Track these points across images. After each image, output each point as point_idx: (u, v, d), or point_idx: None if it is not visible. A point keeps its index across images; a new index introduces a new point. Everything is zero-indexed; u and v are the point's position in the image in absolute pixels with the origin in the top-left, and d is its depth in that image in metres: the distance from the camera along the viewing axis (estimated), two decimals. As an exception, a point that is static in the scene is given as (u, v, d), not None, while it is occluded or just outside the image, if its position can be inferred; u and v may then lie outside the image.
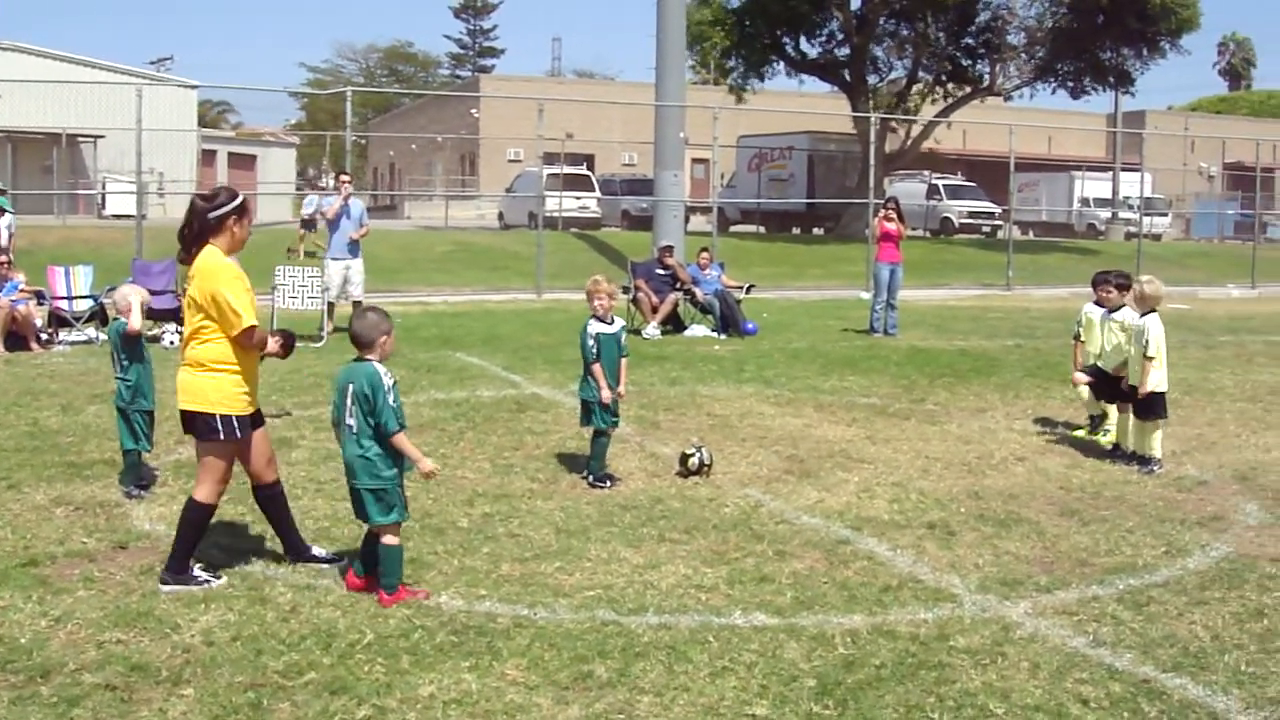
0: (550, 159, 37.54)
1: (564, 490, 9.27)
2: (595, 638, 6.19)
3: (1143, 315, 10.66)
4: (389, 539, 6.71)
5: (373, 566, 6.78)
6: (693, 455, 9.80)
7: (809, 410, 12.77)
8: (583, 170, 49.19)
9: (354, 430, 6.69)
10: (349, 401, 6.70)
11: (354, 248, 18.76)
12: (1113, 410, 11.44)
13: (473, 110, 65.95)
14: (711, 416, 12.32)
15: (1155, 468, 10.38)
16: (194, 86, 53.58)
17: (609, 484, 9.43)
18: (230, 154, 62.20)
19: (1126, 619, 6.70)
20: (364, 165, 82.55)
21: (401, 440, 6.72)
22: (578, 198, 44.68)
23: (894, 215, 20.66)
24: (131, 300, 9.31)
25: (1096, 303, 11.79)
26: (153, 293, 15.77)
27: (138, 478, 8.94)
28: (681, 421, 12.01)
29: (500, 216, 47.72)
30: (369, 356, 6.79)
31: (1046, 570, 7.58)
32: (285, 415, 11.63)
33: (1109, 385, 11.23)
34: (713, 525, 8.35)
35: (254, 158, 64.45)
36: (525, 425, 11.60)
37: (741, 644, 6.15)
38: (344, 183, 19.44)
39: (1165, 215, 58.48)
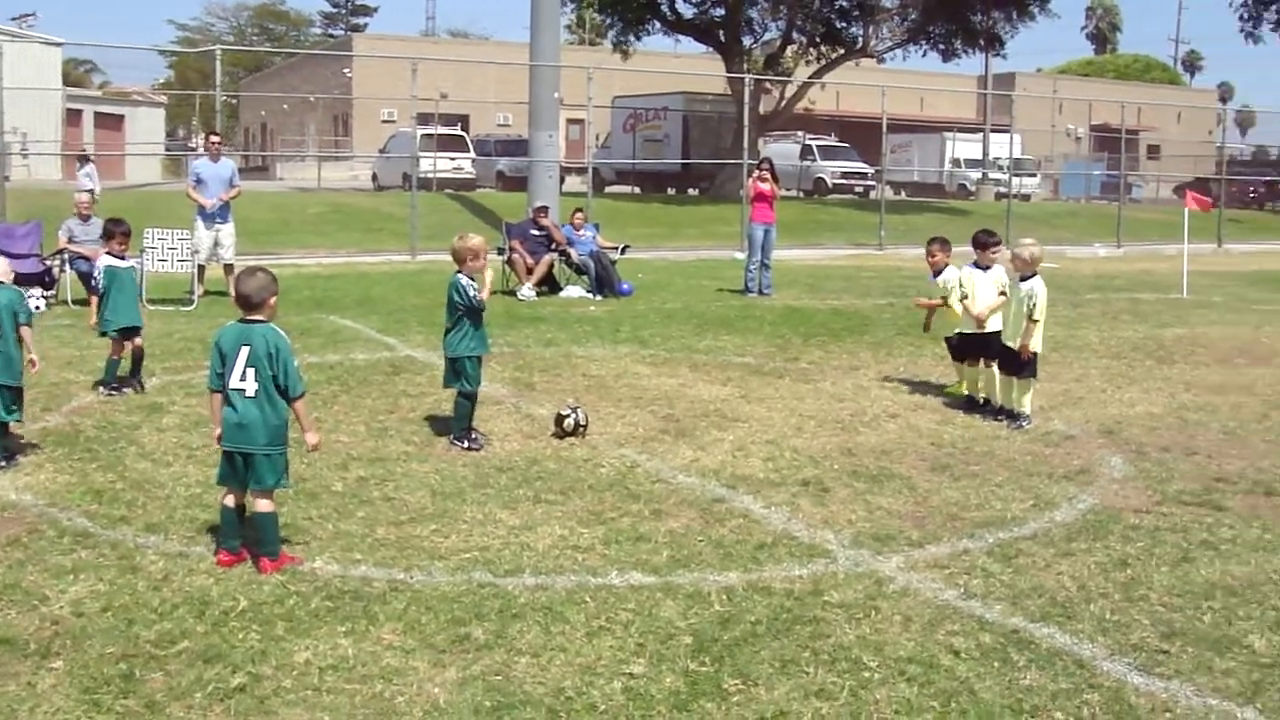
0: (424, 119, 37.14)
1: (439, 453, 9.23)
2: (472, 600, 6.19)
3: (1025, 279, 10.76)
4: (268, 505, 6.66)
5: (240, 536, 6.73)
6: (568, 416, 9.81)
7: (684, 370, 12.84)
8: (457, 131, 48.77)
9: (251, 394, 6.58)
10: (242, 363, 6.58)
11: (224, 210, 18.48)
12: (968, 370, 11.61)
13: (345, 70, 65.09)
14: (587, 377, 12.34)
15: (1024, 424, 10.59)
16: (58, 44, 52.27)
17: (476, 445, 9.40)
18: (97, 114, 60.88)
19: (996, 571, 6.84)
20: (235, 126, 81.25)
21: (302, 405, 6.73)
22: (452, 158, 44.38)
23: (768, 176, 20.80)
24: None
25: (976, 264, 11.55)
26: (16, 256, 15.48)
27: (4, 449, 8.72)
28: (557, 383, 12.01)
29: (374, 178, 47.19)
30: (258, 317, 6.70)
31: (918, 525, 7.71)
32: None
33: (974, 346, 11.37)
34: (589, 486, 8.38)
35: (121, 118, 63.13)
36: (400, 388, 11.54)
37: (618, 603, 6.19)
38: (214, 144, 19.12)
39: (1034, 176, 59.40)
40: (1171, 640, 5.90)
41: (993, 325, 11.17)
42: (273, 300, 6.78)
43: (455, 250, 9.61)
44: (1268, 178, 57.96)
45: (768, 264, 20.45)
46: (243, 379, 6.58)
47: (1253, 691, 5.37)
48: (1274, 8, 55.02)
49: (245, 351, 6.58)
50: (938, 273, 11.87)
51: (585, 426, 9.81)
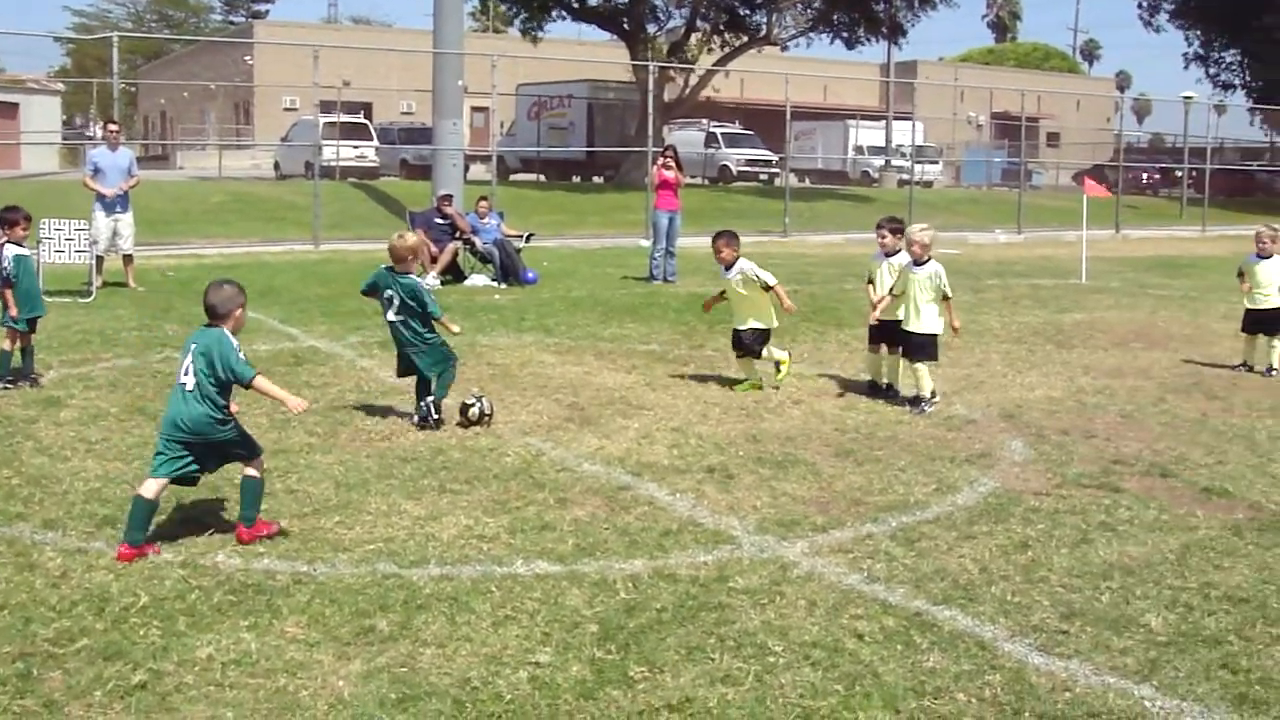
0: (327, 107, 36.82)
1: (343, 444, 9.16)
2: (376, 591, 6.15)
3: (921, 264, 10.90)
4: (254, 471, 6.97)
5: (147, 530, 6.67)
6: (473, 405, 9.77)
7: (589, 358, 12.84)
8: (360, 119, 48.42)
9: (190, 388, 6.73)
10: (189, 360, 6.78)
11: (123, 200, 18.21)
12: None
13: (246, 57, 64.38)
14: (492, 366, 12.30)
15: (927, 407, 10.69)
16: (-52, 31, 51.14)
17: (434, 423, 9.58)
18: (-11, 102, 59.69)
19: (899, 555, 6.90)
20: (134, 114, 80.00)
21: (262, 383, 6.93)
22: (355, 146, 44.05)
23: (672, 164, 20.84)
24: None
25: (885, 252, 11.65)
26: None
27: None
28: (462, 372, 11.89)
29: (276, 166, 46.72)
30: (222, 326, 6.92)
31: (822, 510, 7.76)
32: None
33: (889, 332, 11.44)
34: (494, 475, 8.35)
35: (16, 106, 61.83)
36: (303, 379, 11.43)
37: (524, 592, 6.18)
38: (112, 132, 18.83)
39: (936, 163, 60.00)
40: (1071, 620, 5.99)
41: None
42: (239, 312, 6.98)
43: (395, 249, 9.79)
44: (1164, 165, 58.95)
45: (672, 251, 20.51)
46: (187, 374, 6.76)
47: (1149, 669, 5.47)
48: (1170, 2, 56.00)
49: (194, 349, 6.80)
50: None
51: (490, 415, 9.78)
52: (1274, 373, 12.81)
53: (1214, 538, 7.36)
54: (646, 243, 20.86)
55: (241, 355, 6.81)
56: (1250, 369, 13.02)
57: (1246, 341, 13.31)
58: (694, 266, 21.34)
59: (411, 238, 10.05)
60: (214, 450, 6.92)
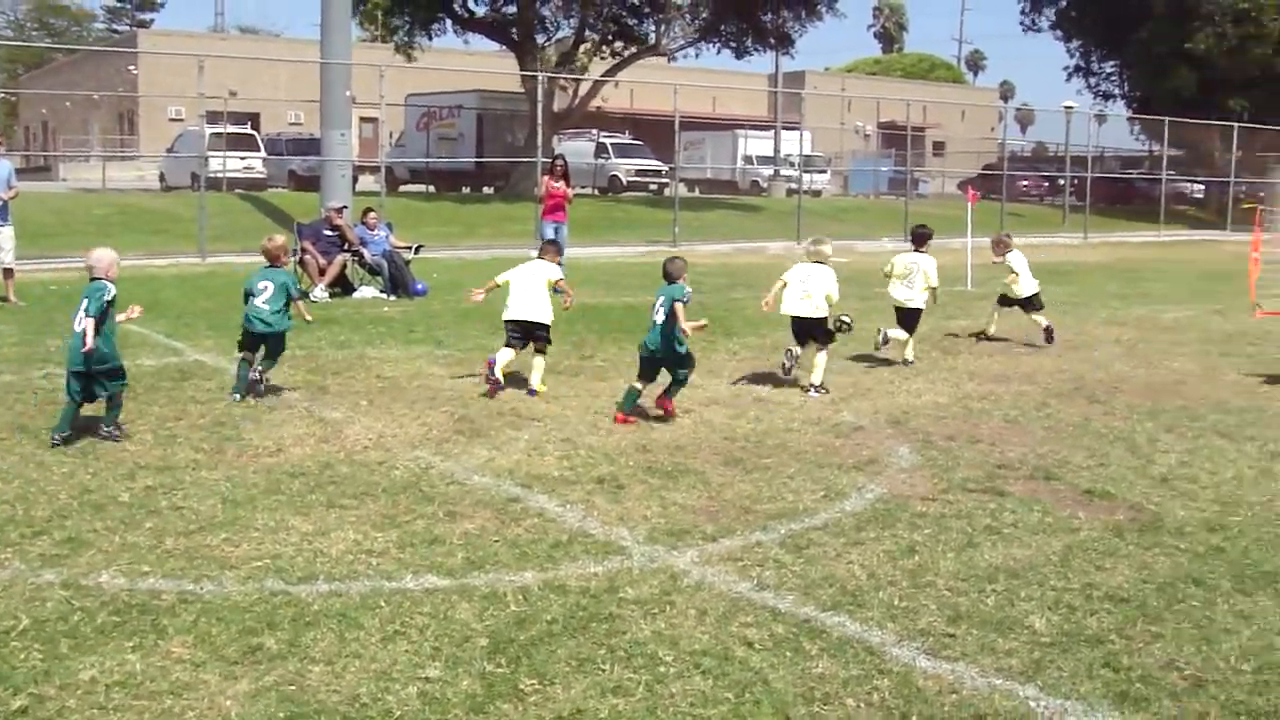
0: (213, 118, 36.42)
1: (230, 459, 9.05)
2: (264, 609, 6.08)
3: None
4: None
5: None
6: None
7: (479, 370, 12.76)
8: (247, 129, 47.87)
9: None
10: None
11: (2, 211, 17.85)
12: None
13: (131, 67, 63.41)
14: (381, 379, 12.21)
15: (819, 393, 11.65)
16: None
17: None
18: None
19: (788, 562, 6.95)
20: (14, 124, 78.56)
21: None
22: (242, 158, 43.55)
23: (560, 174, 20.86)
24: None
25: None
26: None
27: None
28: (350, 385, 11.87)
29: (161, 178, 46.05)
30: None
31: (712, 519, 7.80)
32: None
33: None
34: (383, 489, 8.30)
35: (-110, 116, 60.60)
36: (189, 394, 11.27)
37: (413, 607, 6.14)
38: (-9, 143, 18.47)
39: (824, 172, 60.52)
40: (957, 624, 6.07)
41: (805, 310, 12.32)
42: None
43: (268, 250, 11.44)
44: (1046, 174, 59.94)
45: (560, 263, 20.46)
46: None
47: (1034, 670, 5.56)
48: (1052, 9, 56.96)
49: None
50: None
51: None
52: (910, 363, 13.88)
53: (1096, 539, 7.50)
54: (535, 254, 20.81)
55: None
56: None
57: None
58: (585, 277, 21.34)
59: (279, 238, 11.69)
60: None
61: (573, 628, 5.92)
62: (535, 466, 8.99)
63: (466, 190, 47.98)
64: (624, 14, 46.39)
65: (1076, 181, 47.89)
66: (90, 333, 9.22)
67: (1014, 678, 5.48)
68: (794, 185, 44.75)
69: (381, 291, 19.36)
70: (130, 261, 23.89)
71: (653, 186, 51.20)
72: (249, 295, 11.22)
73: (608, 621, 6.01)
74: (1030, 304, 15.89)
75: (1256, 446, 10.12)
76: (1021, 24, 59.78)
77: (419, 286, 19.60)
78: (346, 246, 19.80)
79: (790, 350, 12.50)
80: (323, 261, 19.21)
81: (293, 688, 5.24)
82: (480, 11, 45.61)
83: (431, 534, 7.34)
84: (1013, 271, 15.93)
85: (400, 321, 16.25)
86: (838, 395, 11.83)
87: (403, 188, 46.26)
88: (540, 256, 12.92)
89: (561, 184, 20.76)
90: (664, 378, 10.90)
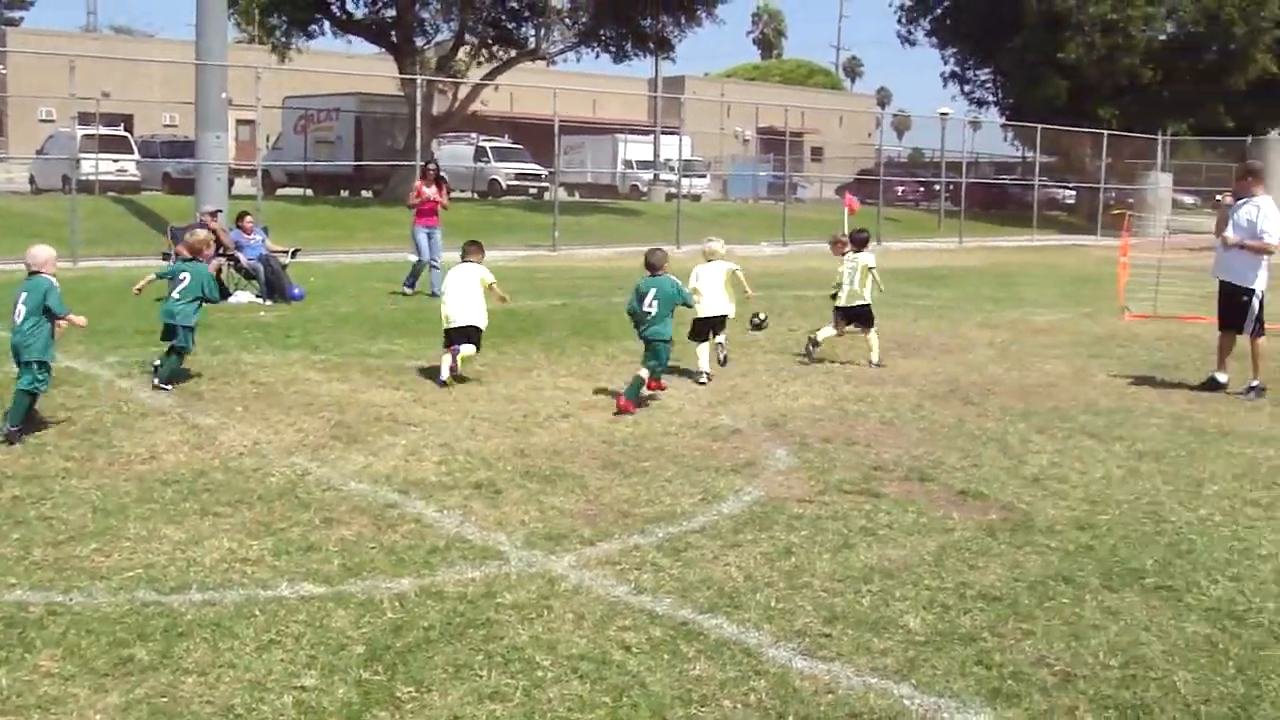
0: (85, 119, 35.73)
1: (101, 468, 8.88)
2: (135, 620, 5.98)
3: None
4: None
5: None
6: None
7: (356, 374, 12.69)
8: (120, 131, 47.00)
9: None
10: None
11: None
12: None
13: (-2, 66, 62.03)
14: (256, 385, 12.05)
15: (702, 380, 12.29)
16: None
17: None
18: None
19: (666, 565, 6.98)
20: (-126, 126, 76.37)
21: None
22: (115, 160, 42.73)
23: (432, 179, 20.78)
24: None
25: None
26: None
27: None
28: (225, 391, 11.71)
29: (31, 180, 45.04)
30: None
31: (590, 523, 7.80)
32: None
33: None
34: (258, 496, 8.20)
35: None
36: (59, 401, 11.02)
37: (289, 615, 6.08)
38: None
39: (704, 177, 60.86)
40: (833, 624, 6.14)
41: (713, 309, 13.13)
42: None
43: (191, 245, 12.70)
44: (922, 179, 60.74)
45: (436, 265, 20.40)
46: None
47: (908, 668, 5.64)
48: (928, 16, 57.72)
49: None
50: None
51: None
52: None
53: (969, 539, 7.62)
54: (415, 258, 20.68)
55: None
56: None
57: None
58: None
59: (202, 233, 12.97)
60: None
61: (450, 634, 5.89)
62: (413, 472, 8.93)
63: (345, 194, 47.51)
64: (503, 18, 46.26)
65: (952, 187, 48.60)
66: (76, 319, 10.08)
67: (889, 676, 5.55)
68: (673, 190, 44.86)
69: (257, 296, 19.10)
70: (-2, 266, 23.43)
71: (532, 190, 51.12)
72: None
73: (485, 627, 5.99)
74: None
75: (1125, 446, 10.34)
76: (898, 34, 60.57)
77: (295, 291, 19.38)
78: (222, 251, 19.51)
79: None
80: (197, 266, 18.91)
81: (165, 699, 5.16)
82: (359, 13, 45.27)
83: (307, 541, 7.27)
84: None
85: (276, 326, 16.06)
86: (715, 399, 11.90)
87: (280, 191, 45.70)
88: (466, 258, 13.11)
89: (434, 189, 20.67)
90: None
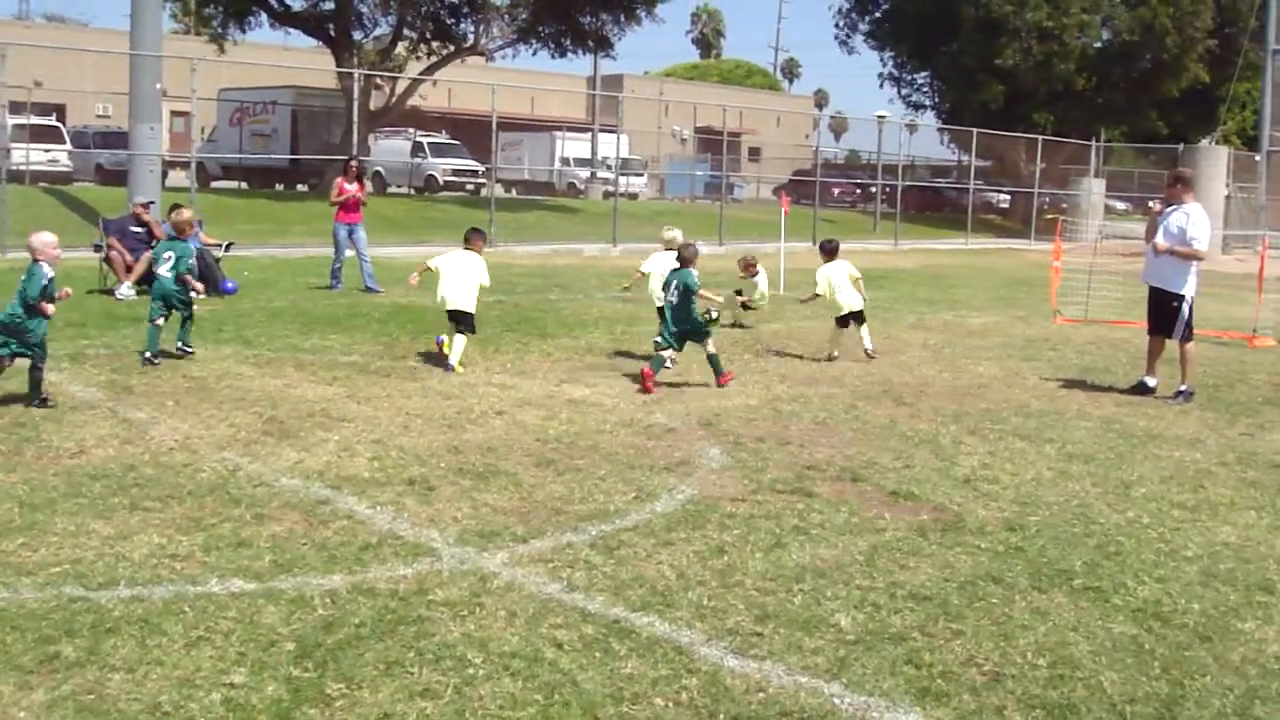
0: (16, 108, 35.24)
1: (29, 461, 8.77)
2: (62, 616, 5.92)
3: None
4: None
5: None
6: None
7: (289, 370, 12.61)
8: (52, 121, 46.47)
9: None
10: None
11: None
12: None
13: (-74, 54, 61.16)
14: (188, 379, 11.95)
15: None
16: None
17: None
18: None
19: (598, 563, 6.98)
20: None
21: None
22: (46, 150, 42.22)
23: (354, 175, 20.74)
24: None
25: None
26: None
27: None
28: (156, 385, 11.60)
29: (-41, 170, 44.50)
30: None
31: (523, 520, 7.79)
32: None
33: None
34: (188, 491, 8.13)
35: None
36: (-15, 393, 10.92)
37: (218, 612, 6.03)
38: None
39: (641, 175, 60.93)
40: (765, 623, 6.16)
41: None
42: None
43: (176, 224, 13.43)
44: (859, 180, 61.05)
45: (366, 257, 20.37)
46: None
47: (839, 667, 5.67)
48: (866, 19, 57.98)
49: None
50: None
51: None
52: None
53: (900, 539, 7.67)
54: (351, 253, 20.58)
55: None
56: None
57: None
58: (398, 277, 21.11)
59: (187, 211, 13.76)
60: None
61: (381, 631, 5.87)
62: (345, 468, 8.89)
63: (280, 187, 47.19)
64: (443, 13, 46.04)
65: (888, 189, 48.86)
66: (49, 310, 10.65)
67: (819, 675, 5.58)
68: (611, 188, 44.90)
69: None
70: (-75, 256, 23.09)
71: (469, 186, 50.97)
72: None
73: (416, 624, 5.97)
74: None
75: (1055, 448, 10.44)
76: (836, 38, 60.89)
77: (228, 285, 19.22)
78: (155, 243, 19.33)
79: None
80: (129, 258, 18.71)
81: (91, 696, 5.11)
82: (296, 6, 44.93)
83: (238, 537, 7.22)
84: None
85: (209, 320, 15.90)
86: (650, 397, 11.91)
87: (214, 184, 45.34)
88: (468, 246, 13.74)
89: (356, 185, 20.62)
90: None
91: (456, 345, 13.06)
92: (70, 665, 5.40)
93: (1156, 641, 6.15)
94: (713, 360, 12.70)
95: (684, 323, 12.65)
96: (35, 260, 10.67)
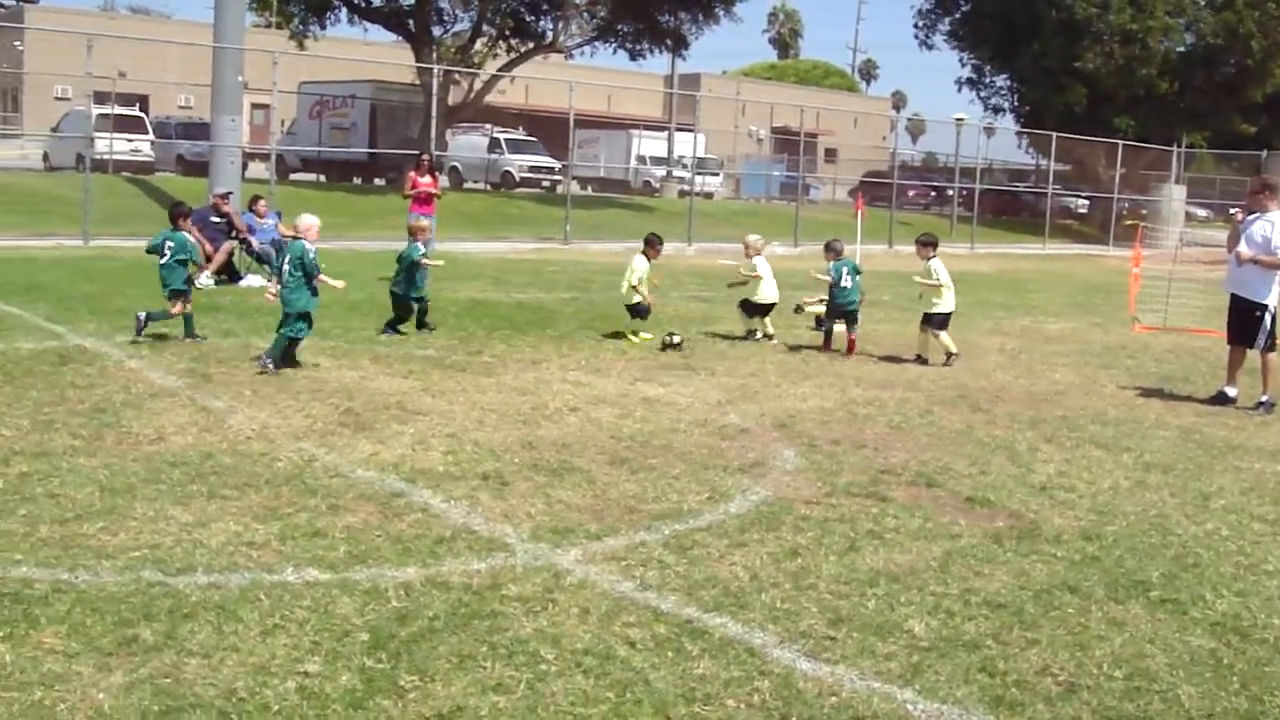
0: (101, 98, 35.72)
1: (109, 447, 8.88)
2: (140, 600, 5.98)
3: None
4: None
5: None
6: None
7: (365, 362, 12.70)
8: (136, 111, 47.01)
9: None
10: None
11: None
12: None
13: (16, 43, 62.03)
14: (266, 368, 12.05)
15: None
16: None
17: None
18: None
19: (671, 562, 6.96)
20: (-109, 98, 76.44)
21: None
22: (130, 140, 42.76)
23: (426, 169, 20.87)
24: None
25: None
26: None
27: None
28: (235, 374, 11.72)
29: (45, 158, 45.08)
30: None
31: (597, 518, 7.79)
32: None
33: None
34: (265, 480, 8.19)
35: None
36: (68, 379, 11.06)
37: (293, 600, 6.08)
38: None
39: (717, 175, 60.79)
40: (838, 626, 6.12)
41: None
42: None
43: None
44: (935, 184, 60.64)
45: (428, 254, 20.48)
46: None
47: (912, 673, 5.62)
48: (947, 19, 57.60)
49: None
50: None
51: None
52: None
53: (975, 545, 7.60)
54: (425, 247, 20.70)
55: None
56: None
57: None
58: (474, 272, 21.27)
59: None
60: None
61: (454, 624, 5.89)
62: (420, 461, 8.92)
63: (358, 181, 47.52)
64: (522, 10, 46.19)
65: (965, 192, 48.51)
66: (330, 281, 12.37)
67: (892, 681, 5.53)
68: (686, 187, 44.82)
69: (268, 280, 19.08)
70: (10, 242, 23.50)
71: (545, 183, 51.12)
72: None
73: (490, 619, 5.99)
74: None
75: (1132, 457, 10.33)
76: (916, 38, 60.50)
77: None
78: (234, 234, 19.55)
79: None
80: (209, 248, 18.93)
81: (168, 680, 5.16)
82: (377, 1, 45.20)
83: (313, 527, 7.26)
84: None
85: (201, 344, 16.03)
86: (724, 398, 11.89)
87: (293, 176, 45.70)
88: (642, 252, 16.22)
89: (428, 178, 20.77)
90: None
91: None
92: (148, 649, 5.45)
93: (1235, 656, 6.06)
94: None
95: (855, 303, 15.48)
96: (296, 237, 12.37)
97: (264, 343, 13.40)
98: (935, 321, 15.17)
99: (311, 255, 12.14)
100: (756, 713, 5.18)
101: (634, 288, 15.53)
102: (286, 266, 12.16)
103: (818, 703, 5.28)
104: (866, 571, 6.99)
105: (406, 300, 14.78)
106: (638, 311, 15.63)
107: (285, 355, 12.08)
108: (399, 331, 14.66)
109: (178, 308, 13.37)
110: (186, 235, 13.86)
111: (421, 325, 14.94)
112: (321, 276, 12.23)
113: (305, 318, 12.19)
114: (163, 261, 13.43)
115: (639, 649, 5.72)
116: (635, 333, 15.49)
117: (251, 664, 5.35)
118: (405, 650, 5.56)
